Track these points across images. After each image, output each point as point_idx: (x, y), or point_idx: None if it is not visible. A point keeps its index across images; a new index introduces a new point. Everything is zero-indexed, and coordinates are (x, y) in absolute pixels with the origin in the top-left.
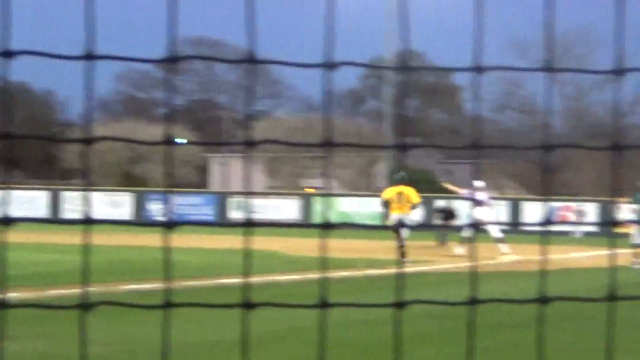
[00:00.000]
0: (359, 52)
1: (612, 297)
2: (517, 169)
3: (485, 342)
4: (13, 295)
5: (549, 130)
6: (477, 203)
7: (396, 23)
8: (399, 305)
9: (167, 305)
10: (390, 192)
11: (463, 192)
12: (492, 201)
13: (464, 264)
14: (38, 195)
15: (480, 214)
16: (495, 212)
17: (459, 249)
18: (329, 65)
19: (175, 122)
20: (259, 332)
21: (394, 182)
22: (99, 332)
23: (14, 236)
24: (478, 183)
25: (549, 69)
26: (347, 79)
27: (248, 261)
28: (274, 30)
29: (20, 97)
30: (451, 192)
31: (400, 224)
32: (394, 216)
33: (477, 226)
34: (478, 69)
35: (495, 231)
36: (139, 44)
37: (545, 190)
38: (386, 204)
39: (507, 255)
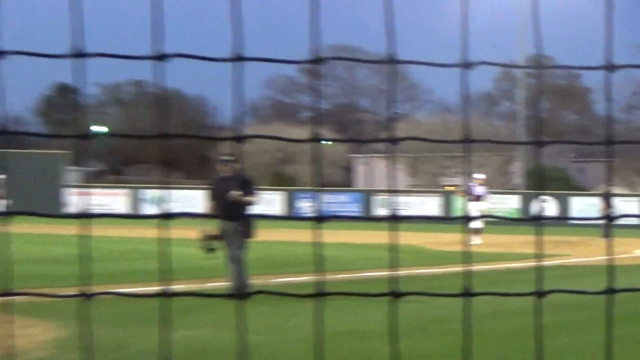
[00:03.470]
0: (492, 57)
1: None
2: None
3: (619, 332)
4: (178, 286)
5: None
6: (476, 197)
7: (528, 28)
8: (539, 294)
9: (320, 294)
10: None
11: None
12: (488, 194)
13: (600, 257)
14: (194, 194)
15: (475, 207)
16: (488, 205)
17: (475, 240)
18: (466, 65)
19: (321, 124)
20: (404, 323)
21: None
22: (256, 321)
23: (175, 232)
24: (478, 175)
25: None
26: (481, 83)
27: (395, 254)
28: (413, 37)
29: (175, 102)
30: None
31: None
32: None
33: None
34: (609, 67)
35: (475, 222)
36: (282, 51)
37: None
38: None
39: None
